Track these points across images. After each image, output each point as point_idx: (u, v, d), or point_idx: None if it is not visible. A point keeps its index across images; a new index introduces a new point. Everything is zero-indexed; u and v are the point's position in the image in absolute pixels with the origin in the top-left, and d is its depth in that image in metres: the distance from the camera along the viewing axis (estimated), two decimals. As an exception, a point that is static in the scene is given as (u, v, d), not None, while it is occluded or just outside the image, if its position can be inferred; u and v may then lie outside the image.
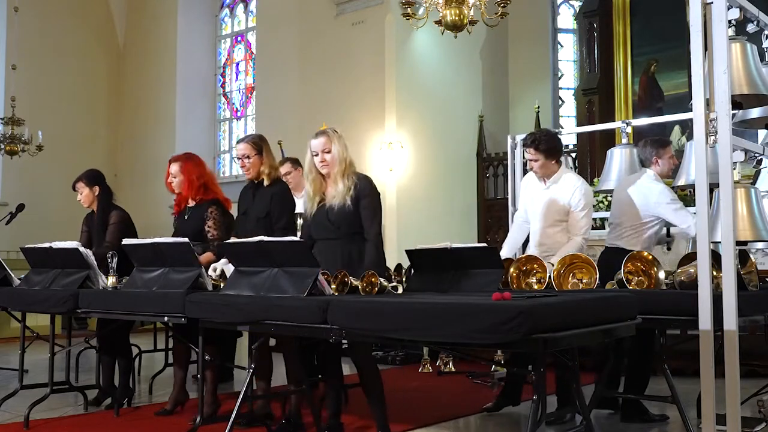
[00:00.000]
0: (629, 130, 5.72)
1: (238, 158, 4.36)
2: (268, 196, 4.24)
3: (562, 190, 4.46)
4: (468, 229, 10.65)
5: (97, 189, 5.10)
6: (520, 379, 4.67)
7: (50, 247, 4.59)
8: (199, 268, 3.90)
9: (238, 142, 4.45)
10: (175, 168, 4.69)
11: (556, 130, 6.06)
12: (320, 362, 4.01)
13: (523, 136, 6.62)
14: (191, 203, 4.68)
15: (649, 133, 9.09)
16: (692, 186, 4.69)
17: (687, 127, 8.32)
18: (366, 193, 3.83)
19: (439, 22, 6.40)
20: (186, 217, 4.68)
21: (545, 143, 4.43)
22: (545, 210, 4.51)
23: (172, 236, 4.59)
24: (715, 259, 3.31)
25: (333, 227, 3.82)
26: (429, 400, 4.92)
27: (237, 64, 13.45)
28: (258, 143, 4.34)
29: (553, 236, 4.48)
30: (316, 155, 3.87)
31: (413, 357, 6.90)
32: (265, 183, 4.29)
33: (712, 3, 3.28)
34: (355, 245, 3.82)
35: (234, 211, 4.59)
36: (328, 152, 3.84)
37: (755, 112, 3.94)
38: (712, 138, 3.25)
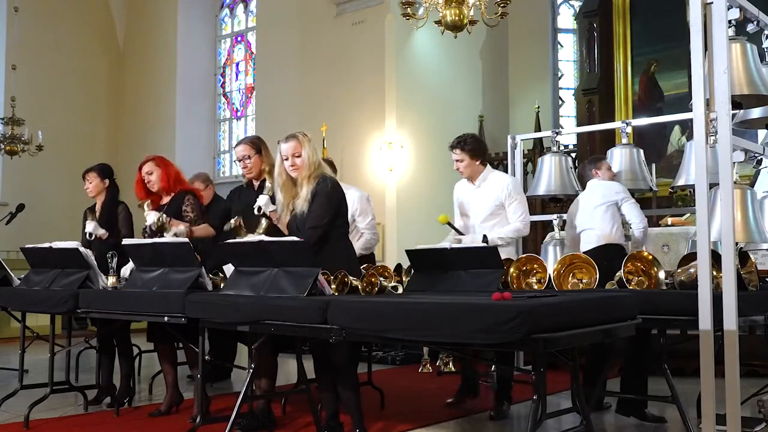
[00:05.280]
0: (629, 130, 5.71)
1: (239, 160, 4.42)
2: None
3: (492, 187, 4.83)
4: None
5: (107, 182, 5.19)
6: (509, 377, 4.72)
7: (50, 247, 4.59)
8: (199, 268, 3.90)
9: (236, 145, 4.50)
10: (149, 166, 4.76)
11: (557, 131, 6.07)
12: (314, 363, 3.99)
13: (524, 136, 6.69)
14: (165, 200, 4.74)
15: (649, 132, 9.13)
16: (692, 186, 4.71)
17: (687, 127, 8.33)
18: (314, 196, 3.81)
19: (439, 22, 6.40)
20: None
21: (470, 144, 4.81)
22: (479, 206, 4.84)
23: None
24: (715, 259, 3.31)
25: (301, 235, 3.82)
26: (429, 400, 4.93)
27: (237, 64, 13.45)
28: (256, 143, 4.42)
29: (491, 229, 4.75)
30: (286, 159, 3.87)
31: (413, 357, 6.90)
32: (269, 182, 4.29)
33: (712, 3, 3.28)
34: (329, 244, 3.82)
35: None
36: (299, 156, 3.85)
37: (755, 112, 3.94)
38: (712, 138, 3.25)
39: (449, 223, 4.81)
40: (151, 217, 4.51)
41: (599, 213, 4.80)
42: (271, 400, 4.30)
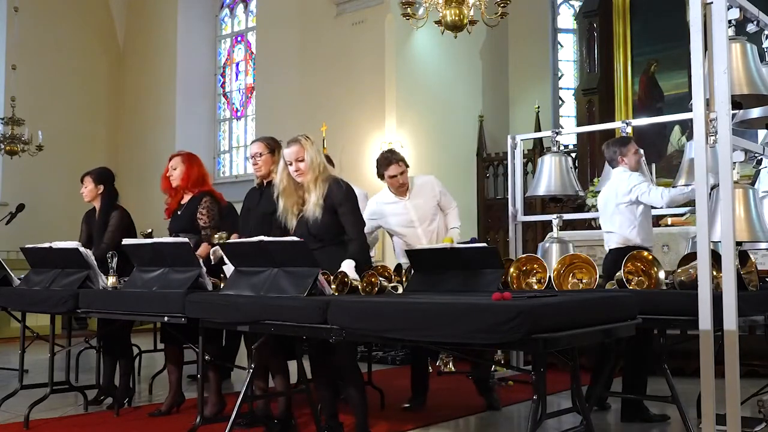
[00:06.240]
0: (629, 130, 5.71)
1: (251, 156, 4.39)
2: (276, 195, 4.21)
3: (424, 191, 5.04)
4: (468, 229, 10.63)
5: (101, 187, 5.13)
6: (486, 375, 4.81)
7: (50, 247, 4.59)
8: (200, 268, 3.90)
9: (252, 142, 4.47)
10: (176, 161, 4.72)
11: (557, 131, 6.07)
12: (311, 363, 3.99)
13: (524, 136, 6.69)
14: (185, 199, 4.70)
15: (649, 132, 9.13)
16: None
17: (687, 127, 8.32)
18: (340, 201, 3.81)
19: (439, 22, 6.40)
20: (179, 213, 4.69)
21: (402, 156, 5.03)
22: (421, 211, 4.99)
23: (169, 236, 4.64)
24: (715, 259, 3.31)
25: (316, 239, 3.82)
26: (429, 400, 4.93)
27: (237, 64, 13.45)
28: (271, 144, 4.38)
29: (437, 226, 5.01)
30: (290, 164, 3.86)
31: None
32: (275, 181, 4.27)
33: (712, 3, 3.28)
34: (342, 250, 3.81)
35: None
36: (302, 161, 3.83)
37: (755, 112, 3.94)
38: (712, 138, 3.25)
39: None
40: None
41: (617, 213, 4.57)
42: (290, 403, 4.24)
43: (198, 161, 4.81)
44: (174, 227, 4.67)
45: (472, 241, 5.00)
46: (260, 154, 4.33)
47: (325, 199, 3.81)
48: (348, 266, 3.68)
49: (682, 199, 4.44)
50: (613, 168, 4.70)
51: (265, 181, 4.37)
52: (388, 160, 4.94)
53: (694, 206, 3.52)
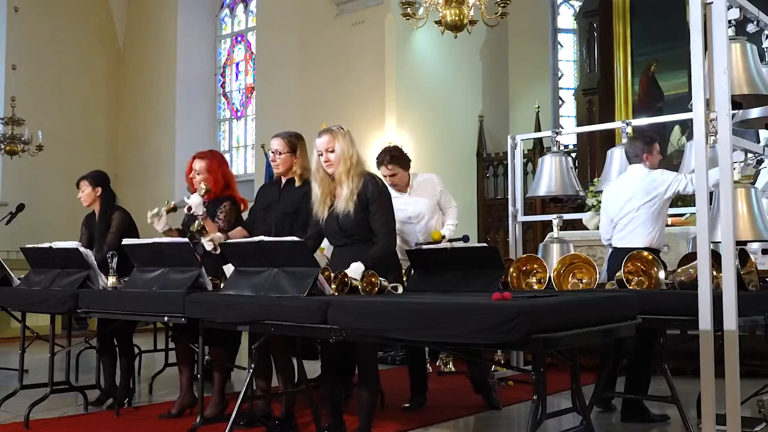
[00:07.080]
0: (629, 130, 5.71)
1: (271, 152, 4.29)
2: (298, 195, 4.14)
3: (424, 190, 5.10)
4: (468, 229, 10.62)
5: (99, 190, 5.09)
6: (481, 373, 4.81)
7: (50, 247, 4.58)
8: (200, 268, 3.90)
9: (273, 137, 4.34)
10: (200, 165, 4.59)
11: (557, 131, 6.07)
12: (323, 361, 3.99)
13: (524, 136, 6.70)
14: (207, 198, 4.61)
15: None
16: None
17: (687, 127, 8.33)
18: (375, 198, 3.74)
19: (439, 22, 6.41)
20: None
21: (397, 156, 4.97)
22: (419, 210, 5.07)
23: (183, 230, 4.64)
24: (715, 259, 3.31)
25: (344, 235, 3.79)
26: (429, 400, 4.93)
27: (237, 64, 13.45)
28: (292, 142, 4.26)
29: (436, 223, 5.11)
30: (321, 155, 3.80)
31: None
32: (297, 183, 4.21)
33: (712, 3, 3.29)
34: (365, 245, 3.77)
35: (246, 213, 4.63)
36: (332, 151, 3.76)
37: (755, 112, 3.94)
38: (712, 138, 3.26)
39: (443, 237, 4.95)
40: (195, 199, 4.28)
41: (640, 212, 4.40)
42: (293, 404, 4.22)
43: (219, 165, 4.66)
44: (189, 225, 4.61)
45: (465, 238, 4.94)
46: (279, 152, 4.21)
47: (359, 195, 3.72)
48: (354, 267, 3.62)
49: None
50: (630, 163, 4.58)
51: (284, 179, 4.30)
52: (379, 160, 4.95)
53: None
